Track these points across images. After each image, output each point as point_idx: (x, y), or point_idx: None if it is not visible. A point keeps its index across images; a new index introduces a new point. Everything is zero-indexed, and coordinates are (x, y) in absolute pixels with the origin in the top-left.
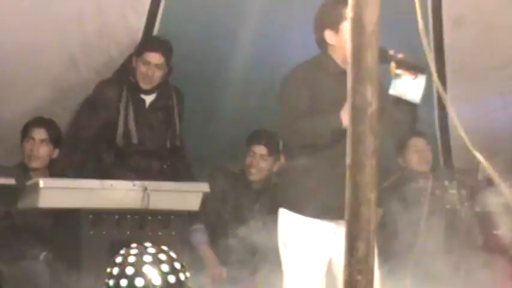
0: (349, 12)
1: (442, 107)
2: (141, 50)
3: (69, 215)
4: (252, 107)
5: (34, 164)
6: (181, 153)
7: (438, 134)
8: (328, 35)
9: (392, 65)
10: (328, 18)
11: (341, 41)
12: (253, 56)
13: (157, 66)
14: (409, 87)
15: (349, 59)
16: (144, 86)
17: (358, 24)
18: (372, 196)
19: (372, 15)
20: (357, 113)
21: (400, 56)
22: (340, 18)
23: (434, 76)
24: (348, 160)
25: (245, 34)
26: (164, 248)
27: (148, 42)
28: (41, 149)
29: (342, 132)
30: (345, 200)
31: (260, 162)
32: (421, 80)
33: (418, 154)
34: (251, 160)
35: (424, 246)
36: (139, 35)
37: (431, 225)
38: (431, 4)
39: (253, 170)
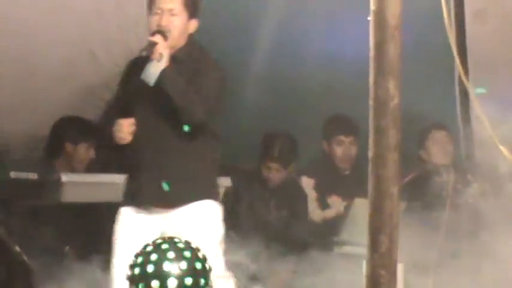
0: (371, 5)
1: (464, 99)
2: None
3: (91, 210)
4: (271, 105)
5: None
6: None
7: (460, 127)
8: None
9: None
10: None
11: None
12: (275, 54)
13: None
14: (151, 69)
15: (371, 52)
16: None
17: (381, 18)
18: (395, 190)
19: (394, 9)
20: (379, 107)
21: (153, 38)
22: None
23: (460, 69)
24: (370, 154)
25: (267, 32)
26: (188, 240)
27: None
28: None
29: None
30: (369, 194)
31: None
32: (162, 62)
33: (438, 146)
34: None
35: (447, 242)
36: None
37: (454, 219)
38: None
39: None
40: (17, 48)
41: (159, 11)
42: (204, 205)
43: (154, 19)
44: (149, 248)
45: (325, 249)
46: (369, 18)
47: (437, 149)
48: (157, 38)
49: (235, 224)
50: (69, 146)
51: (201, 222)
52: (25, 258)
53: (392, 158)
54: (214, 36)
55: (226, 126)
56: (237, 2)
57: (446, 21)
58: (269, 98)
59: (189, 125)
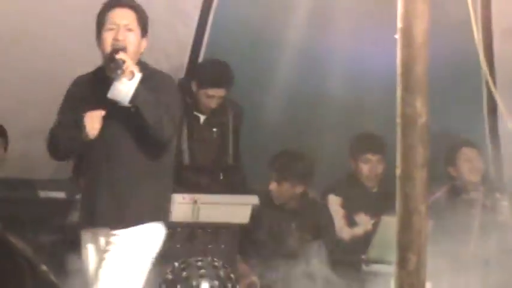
0: (398, 22)
1: (492, 117)
2: (206, 85)
3: None
4: (298, 123)
5: None
6: (235, 168)
7: (489, 144)
8: None
9: (111, 66)
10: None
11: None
12: (303, 71)
13: (220, 97)
14: (122, 88)
15: (398, 69)
16: (204, 112)
17: (408, 36)
18: (423, 208)
19: (421, 26)
20: (406, 124)
21: (118, 57)
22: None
23: (490, 82)
24: (398, 171)
25: (293, 46)
26: (215, 260)
27: (212, 78)
28: None
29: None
30: (397, 212)
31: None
32: (135, 80)
33: (468, 163)
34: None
35: (475, 260)
36: (188, 47)
37: (483, 238)
38: (481, 16)
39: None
40: (46, 70)
41: (113, 27)
42: (150, 228)
43: (109, 34)
44: (169, 269)
45: (353, 267)
46: (396, 36)
47: (467, 166)
48: (124, 56)
49: (257, 247)
50: None
51: (141, 245)
52: (52, 277)
53: (420, 176)
54: (238, 53)
55: (251, 147)
56: (259, 20)
57: (476, 38)
58: (295, 116)
59: (158, 143)
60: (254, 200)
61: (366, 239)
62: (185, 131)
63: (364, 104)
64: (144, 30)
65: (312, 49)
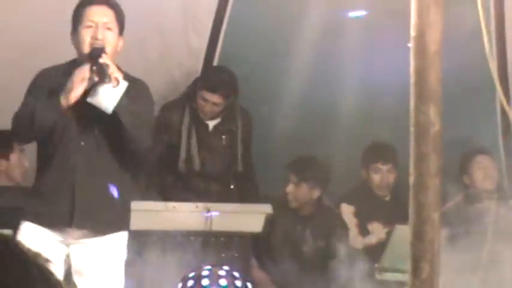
0: (411, 31)
1: (506, 125)
2: (201, 86)
3: (133, 237)
4: (310, 132)
5: None
6: (247, 176)
7: (502, 152)
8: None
9: (94, 69)
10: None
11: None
12: (313, 79)
13: (215, 104)
14: (107, 95)
15: (412, 78)
16: (203, 116)
17: (421, 44)
18: (436, 216)
19: (435, 35)
20: (420, 133)
21: (103, 61)
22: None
23: (500, 92)
24: (411, 180)
25: (305, 57)
26: (223, 268)
27: (209, 82)
28: None
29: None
30: (410, 220)
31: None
32: (120, 89)
33: (483, 171)
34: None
35: (490, 269)
36: (201, 56)
37: (497, 247)
38: (495, 24)
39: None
40: None
41: (92, 24)
42: (120, 237)
43: (87, 32)
44: (180, 278)
45: (366, 276)
46: (409, 45)
47: (481, 174)
48: (107, 59)
49: (272, 253)
50: None
51: (114, 255)
52: (64, 286)
53: (433, 184)
54: (251, 62)
55: (263, 155)
56: (273, 29)
57: (487, 50)
58: (308, 125)
59: (137, 155)
60: (267, 209)
61: (379, 248)
62: (194, 138)
63: (376, 113)
64: (121, 29)
65: (325, 58)
